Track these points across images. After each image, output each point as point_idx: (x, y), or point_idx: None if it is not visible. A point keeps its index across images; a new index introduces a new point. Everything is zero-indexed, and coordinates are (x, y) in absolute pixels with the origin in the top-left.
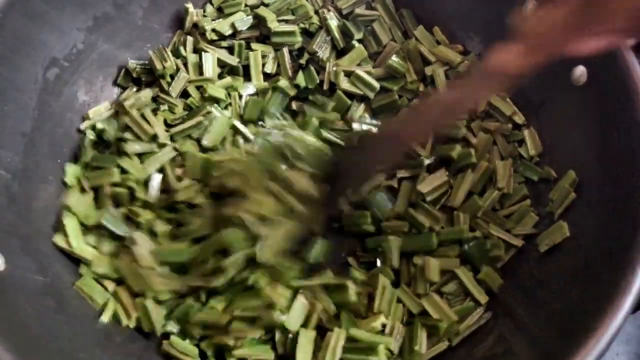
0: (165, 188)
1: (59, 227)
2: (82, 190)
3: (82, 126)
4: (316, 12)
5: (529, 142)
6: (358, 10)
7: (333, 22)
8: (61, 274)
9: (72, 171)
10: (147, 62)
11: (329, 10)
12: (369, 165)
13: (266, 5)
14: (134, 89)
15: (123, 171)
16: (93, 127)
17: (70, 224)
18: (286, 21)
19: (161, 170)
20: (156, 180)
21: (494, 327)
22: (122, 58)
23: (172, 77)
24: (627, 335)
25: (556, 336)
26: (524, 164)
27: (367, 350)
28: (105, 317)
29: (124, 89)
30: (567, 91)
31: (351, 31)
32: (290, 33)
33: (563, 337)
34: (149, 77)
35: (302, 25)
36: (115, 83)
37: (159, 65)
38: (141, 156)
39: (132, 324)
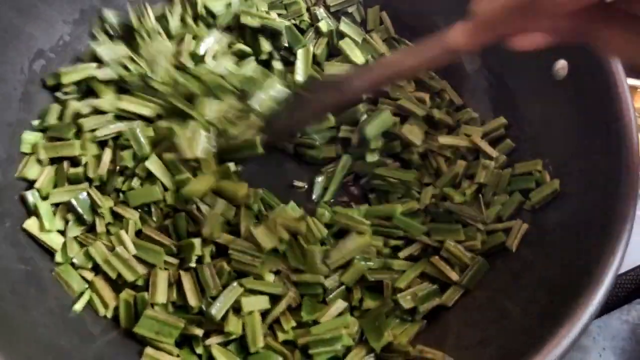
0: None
1: (30, 211)
2: (39, 161)
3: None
4: (308, 10)
5: None
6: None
7: (324, 23)
8: (37, 261)
9: (29, 138)
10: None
11: (319, 7)
12: (312, 108)
13: None
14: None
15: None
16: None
17: (43, 207)
18: (278, 15)
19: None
20: (107, 155)
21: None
22: None
23: (149, 35)
24: (613, 330)
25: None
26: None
27: (330, 340)
28: (79, 306)
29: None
30: (548, 85)
31: (344, 32)
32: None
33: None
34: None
35: (293, 21)
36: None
37: (135, 22)
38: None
39: (109, 314)
